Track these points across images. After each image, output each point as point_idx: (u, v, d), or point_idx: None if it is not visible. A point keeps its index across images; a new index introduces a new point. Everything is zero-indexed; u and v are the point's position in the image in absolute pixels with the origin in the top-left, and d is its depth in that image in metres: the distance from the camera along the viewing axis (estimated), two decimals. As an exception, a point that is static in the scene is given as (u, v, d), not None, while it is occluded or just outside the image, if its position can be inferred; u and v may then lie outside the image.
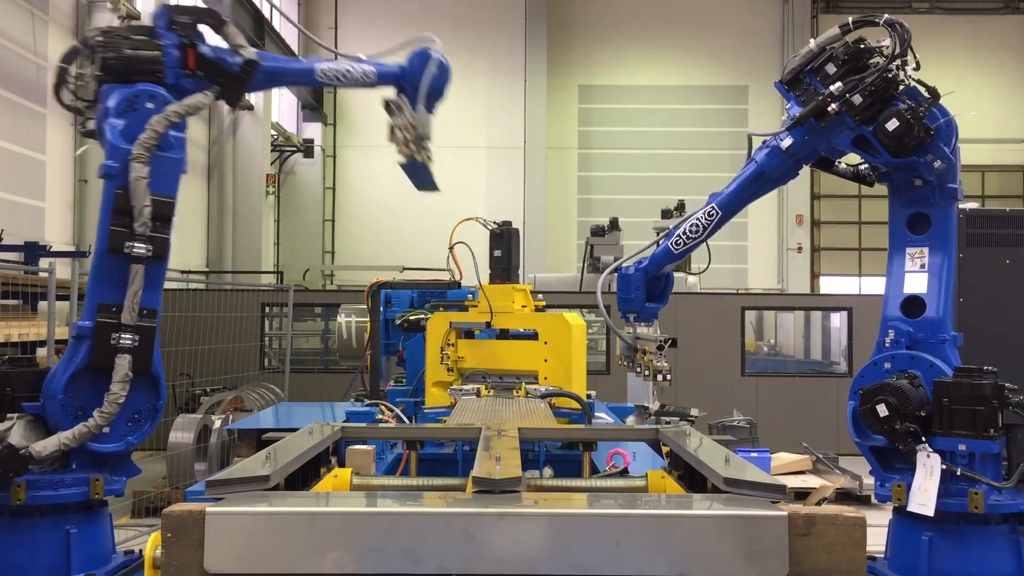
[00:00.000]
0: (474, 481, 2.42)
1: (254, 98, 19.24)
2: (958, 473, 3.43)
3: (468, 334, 5.18)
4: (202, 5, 3.36)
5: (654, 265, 4.06)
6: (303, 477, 2.92)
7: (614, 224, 15.15)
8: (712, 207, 3.80)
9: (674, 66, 23.65)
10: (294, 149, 22.61)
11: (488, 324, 5.13)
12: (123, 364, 3.39)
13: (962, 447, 3.43)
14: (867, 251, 22.95)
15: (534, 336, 5.40)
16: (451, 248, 5.42)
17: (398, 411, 4.93)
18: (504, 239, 5.87)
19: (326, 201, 23.07)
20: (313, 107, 23.14)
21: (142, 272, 3.43)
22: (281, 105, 22.33)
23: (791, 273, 22.46)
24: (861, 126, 3.50)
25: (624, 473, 3.56)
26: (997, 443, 3.44)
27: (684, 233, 3.83)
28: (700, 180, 22.26)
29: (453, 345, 5.11)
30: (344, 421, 4.46)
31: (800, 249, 22.59)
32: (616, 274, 4.10)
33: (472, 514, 2.20)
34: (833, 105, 3.47)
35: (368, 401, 5.69)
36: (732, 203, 3.83)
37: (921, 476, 3.44)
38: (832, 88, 3.50)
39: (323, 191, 22.98)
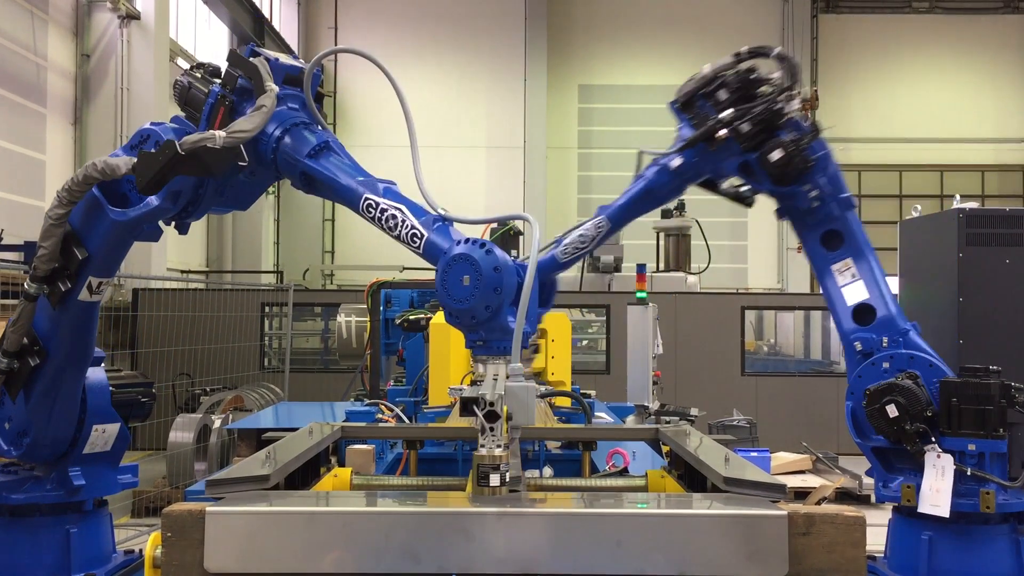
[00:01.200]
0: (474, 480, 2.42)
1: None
2: (968, 473, 3.44)
3: None
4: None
5: (540, 273, 4.12)
6: (303, 477, 2.92)
7: (614, 224, 15.13)
8: (601, 219, 3.84)
9: (674, 65, 23.62)
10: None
11: None
12: None
13: (971, 447, 3.44)
14: (867, 251, 22.94)
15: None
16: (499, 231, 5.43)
17: (398, 411, 4.93)
18: (515, 240, 5.89)
19: (326, 200, 23.06)
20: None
21: (30, 308, 3.21)
22: (281, 105, 22.29)
23: (791, 273, 22.45)
24: (747, 153, 3.59)
25: (624, 473, 3.56)
26: (1005, 442, 3.45)
27: (572, 244, 3.84)
28: (700, 180, 22.24)
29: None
30: (344, 421, 4.46)
31: (800, 249, 22.48)
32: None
33: (472, 513, 2.20)
34: (723, 131, 3.54)
35: (368, 401, 5.69)
36: (620, 217, 3.93)
37: (932, 477, 3.44)
38: (723, 114, 3.57)
39: (323, 191, 22.98)
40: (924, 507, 3.45)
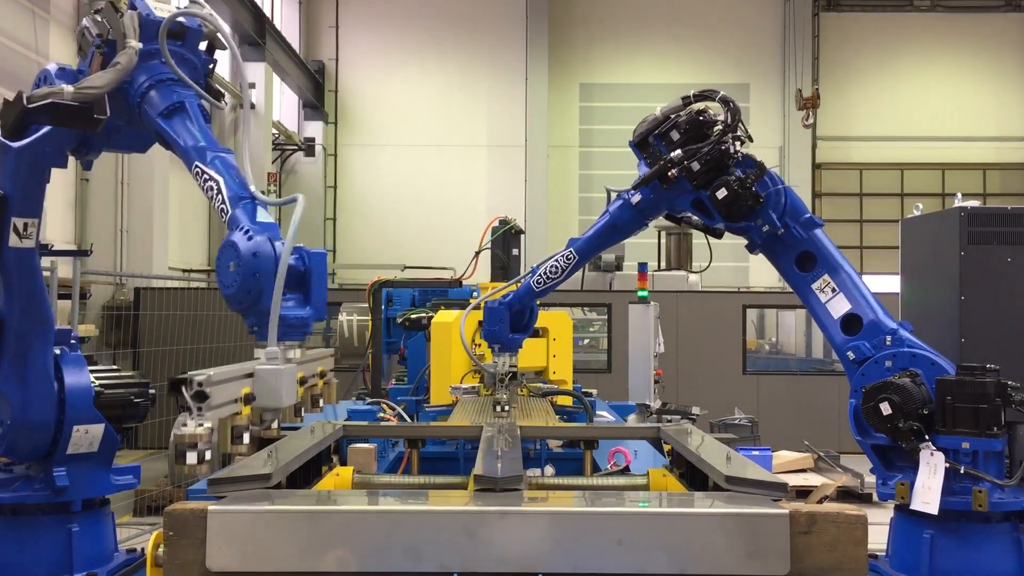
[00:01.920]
0: (476, 479, 2.43)
1: (255, 96, 19.24)
2: (961, 471, 3.44)
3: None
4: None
5: (517, 300, 4.37)
6: (305, 475, 2.93)
7: (615, 222, 15.14)
8: (570, 252, 4.12)
9: (675, 64, 23.63)
10: (295, 148, 22.61)
11: None
12: None
13: (965, 445, 3.44)
14: (868, 249, 22.94)
15: (535, 333, 5.43)
16: (478, 252, 5.51)
17: (399, 409, 4.93)
18: (517, 239, 5.93)
19: (327, 199, 23.07)
20: (314, 105, 23.15)
21: None
22: (282, 103, 22.34)
23: (792, 271, 22.40)
24: (698, 191, 3.76)
25: (626, 471, 3.57)
26: (1000, 441, 3.45)
27: (544, 273, 4.17)
28: (701, 178, 22.22)
29: (479, 344, 5.10)
30: (346, 419, 4.46)
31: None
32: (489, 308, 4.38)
33: (474, 512, 2.20)
34: (673, 170, 3.71)
35: (370, 399, 5.69)
36: (587, 249, 4.15)
37: (925, 474, 3.45)
38: (673, 154, 3.74)
39: (324, 189, 22.98)
40: (916, 504, 3.47)
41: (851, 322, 3.78)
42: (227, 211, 2.84)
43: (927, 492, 3.43)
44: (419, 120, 22.87)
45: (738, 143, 3.75)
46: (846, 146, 23.46)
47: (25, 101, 2.89)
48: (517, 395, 4.47)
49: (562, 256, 4.15)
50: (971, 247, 6.64)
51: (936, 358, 3.60)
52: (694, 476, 2.93)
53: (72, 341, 3.64)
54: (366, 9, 23.72)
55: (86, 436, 3.55)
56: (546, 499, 2.56)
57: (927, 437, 3.47)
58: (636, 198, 3.92)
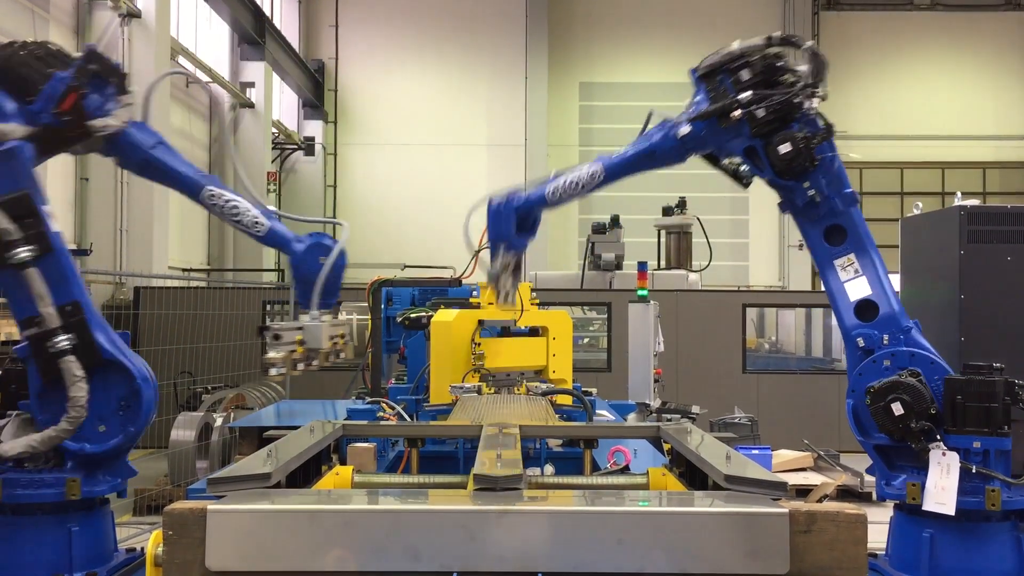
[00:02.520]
0: (475, 479, 2.42)
1: (255, 95, 19.24)
2: (973, 471, 3.43)
3: (504, 332, 5.24)
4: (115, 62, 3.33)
5: (527, 207, 4.15)
6: (304, 475, 2.93)
7: (615, 222, 15.15)
8: (598, 168, 3.87)
9: (675, 63, 23.57)
10: (295, 147, 22.61)
11: (515, 322, 5.19)
12: (69, 367, 3.29)
13: (976, 444, 3.44)
14: (868, 248, 22.94)
15: (534, 332, 5.44)
16: (478, 252, 5.45)
17: (399, 409, 4.93)
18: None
19: (327, 199, 23.08)
20: (314, 105, 23.15)
21: (36, 275, 3.28)
22: (282, 103, 22.33)
23: (792, 270, 22.44)
24: (755, 139, 3.60)
25: (625, 470, 3.57)
26: (1010, 440, 3.45)
27: (564, 185, 3.95)
28: (701, 177, 22.19)
29: (478, 344, 5.10)
30: (345, 419, 4.46)
31: (801, 246, 22.52)
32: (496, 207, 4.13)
33: (473, 512, 2.20)
34: (737, 112, 3.55)
35: (369, 399, 5.69)
36: (617, 172, 3.90)
37: (936, 475, 3.43)
38: (742, 96, 3.57)
39: (324, 189, 22.99)
40: (928, 505, 3.45)
41: (866, 308, 3.70)
42: (265, 224, 3.54)
43: (941, 493, 3.41)
44: (419, 119, 22.88)
45: (814, 100, 3.55)
46: (846, 145, 23.43)
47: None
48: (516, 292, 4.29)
49: (587, 172, 3.90)
50: (971, 246, 6.64)
51: (935, 357, 3.60)
52: (694, 475, 2.93)
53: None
54: (366, 8, 23.72)
55: None
56: (546, 498, 2.56)
57: (938, 437, 3.45)
58: (684, 130, 3.70)
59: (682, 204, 16.16)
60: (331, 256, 3.59)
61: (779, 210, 3.89)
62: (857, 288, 3.72)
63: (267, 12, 20.08)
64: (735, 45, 3.65)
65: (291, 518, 2.18)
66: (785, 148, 3.53)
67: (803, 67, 3.59)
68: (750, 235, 22.60)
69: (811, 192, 3.65)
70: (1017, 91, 23.79)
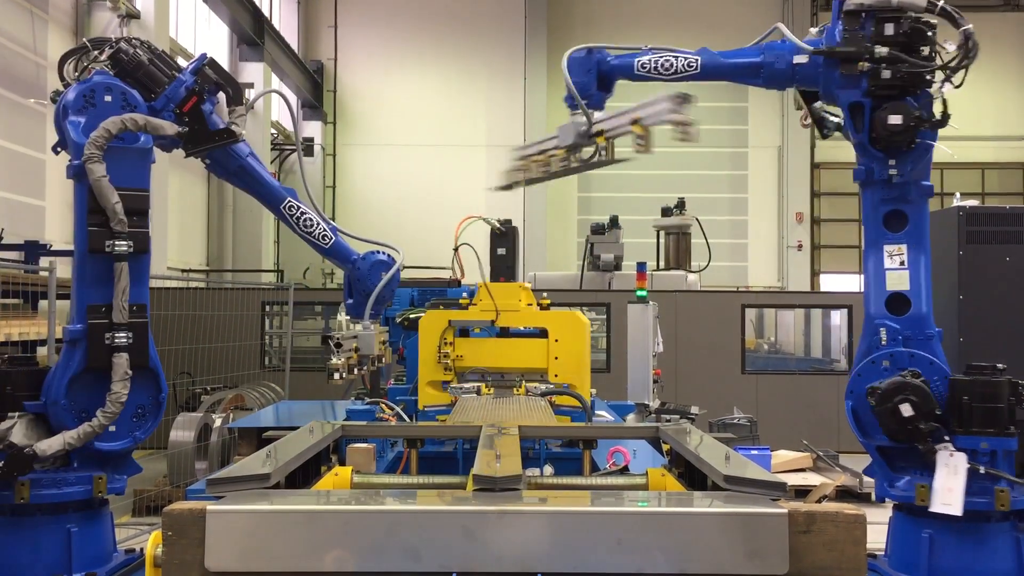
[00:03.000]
0: (474, 479, 2.42)
1: (253, 96, 19.22)
2: (982, 471, 3.42)
3: (463, 332, 5.14)
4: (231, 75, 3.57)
5: (610, 69, 4.05)
6: (304, 475, 2.93)
7: (614, 222, 15.15)
8: (696, 59, 3.70)
9: (674, 64, 23.64)
10: (294, 148, 22.60)
11: (492, 322, 5.09)
12: (121, 363, 3.38)
13: (984, 445, 3.42)
14: (867, 249, 22.94)
15: (538, 334, 5.38)
16: (455, 249, 5.38)
17: (398, 409, 4.93)
18: (508, 238, 5.87)
19: (326, 199, 23.06)
20: (313, 105, 23.14)
21: (127, 269, 3.40)
22: (281, 103, 22.32)
23: (791, 271, 22.44)
24: (868, 97, 3.44)
25: (624, 471, 3.56)
26: (1016, 440, 3.43)
27: (655, 64, 3.75)
28: (700, 178, 22.27)
29: (451, 344, 5.06)
30: (344, 419, 4.46)
31: (800, 247, 22.58)
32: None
33: (472, 512, 2.20)
34: (866, 64, 3.39)
35: (368, 399, 5.69)
36: (714, 72, 3.76)
37: (944, 475, 3.40)
38: (879, 49, 3.39)
39: (323, 189, 22.97)
40: (936, 506, 3.42)
41: (898, 302, 3.64)
42: (331, 237, 3.94)
43: (948, 493, 3.38)
44: (418, 120, 22.87)
45: (947, 85, 3.40)
46: (844, 145, 23.34)
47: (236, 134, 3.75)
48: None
49: (684, 59, 3.72)
50: (969, 246, 6.65)
51: (934, 358, 3.60)
52: (693, 476, 2.93)
53: None
54: (365, 9, 23.71)
55: None
56: (545, 499, 2.56)
57: (947, 438, 3.43)
58: (801, 58, 3.53)
59: (681, 205, 16.17)
60: (389, 273, 4.07)
61: (853, 178, 3.71)
62: (897, 280, 3.63)
63: (266, 13, 20.07)
64: None
65: (290, 519, 2.18)
66: (896, 119, 3.38)
67: (951, 46, 3.42)
68: (749, 236, 22.60)
69: (892, 171, 3.52)
70: (1016, 92, 23.80)
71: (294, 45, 22.36)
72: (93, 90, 3.37)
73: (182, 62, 3.83)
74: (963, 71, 3.40)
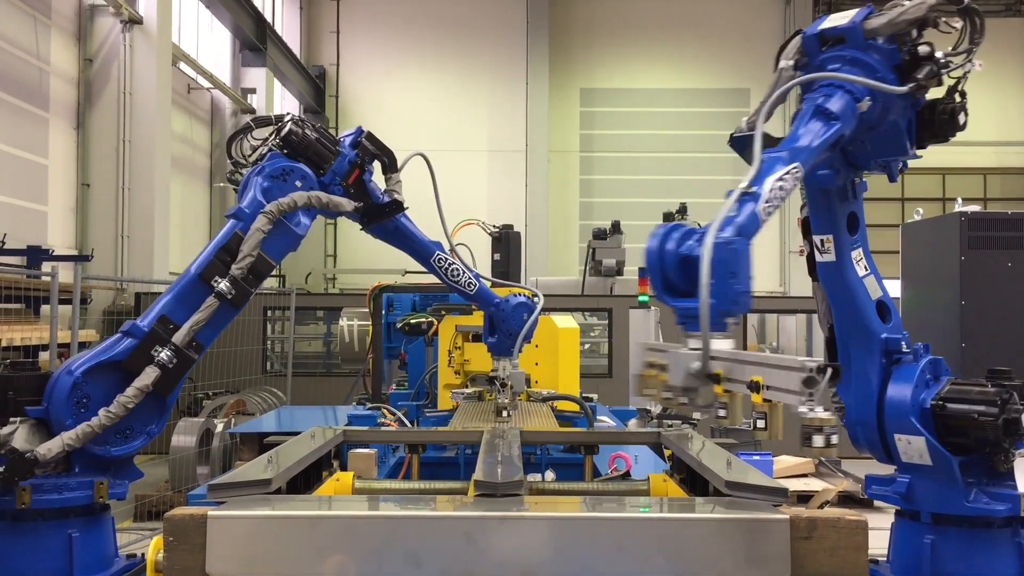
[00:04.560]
0: (476, 485, 2.42)
1: (256, 102, 19.26)
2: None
3: (476, 337, 5.20)
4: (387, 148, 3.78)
5: (752, 230, 2.93)
6: (305, 481, 2.93)
7: (616, 227, 15.16)
8: (797, 166, 3.01)
9: (676, 69, 23.66)
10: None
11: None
12: (148, 375, 3.40)
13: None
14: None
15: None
16: (451, 251, 5.40)
17: (400, 414, 4.93)
18: (504, 243, 5.90)
19: (328, 204, 23.08)
20: (316, 110, 23.18)
21: (215, 308, 3.49)
22: (284, 109, 22.35)
23: (793, 275, 22.43)
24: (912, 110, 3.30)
25: (626, 476, 3.56)
26: None
27: (773, 198, 2.94)
28: (702, 183, 22.27)
29: (460, 348, 5.14)
30: (346, 425, 4.46)
31: (802, 252, 22.48)
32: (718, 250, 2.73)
33: (474, 518, 2.20)
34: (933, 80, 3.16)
35: (370, 405, 5.69)
36: (810, 160, 3.17)
37: None
38: (922, 49, 3.17)
39: (325, 194, 23.00)
40: None
41: (882, 311, 3.52)
42: (476, 284, 4.19)
43: None
44: (420, 125, 22.88)
45: (970, 65, 3.22)
46: (847, 151, 23.47)
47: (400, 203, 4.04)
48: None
49: (788, 173, 2.94)
50: (971, 252, 6.64)
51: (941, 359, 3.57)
52: (695, 481, 2.93)
53: None
54: (367, 14, 23.75)
55: None
56: (546, 504, 2.56)
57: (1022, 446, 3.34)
58: (866, 104, 3.15)
59: (683, 209, 16.18)
60: (533, 315, 4.31)
61: (821, 182, 3.45)
62: (873, 288, 3.50)
63: (268, 18, 20.12)
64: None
65: (292, 524, 2.18)
66: (964, 119, 3.24)
67: (956, 23, 3.21)
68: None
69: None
70: (1018, 97, 23.80)
71: (296, 50, 22.40)
72: (294, 170, 3.68)
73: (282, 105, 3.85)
74: (976, 48, 3.23)
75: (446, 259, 4.20)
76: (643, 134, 23.39)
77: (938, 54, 3.20)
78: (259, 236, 3.52)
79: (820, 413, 2.55)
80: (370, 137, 4.00)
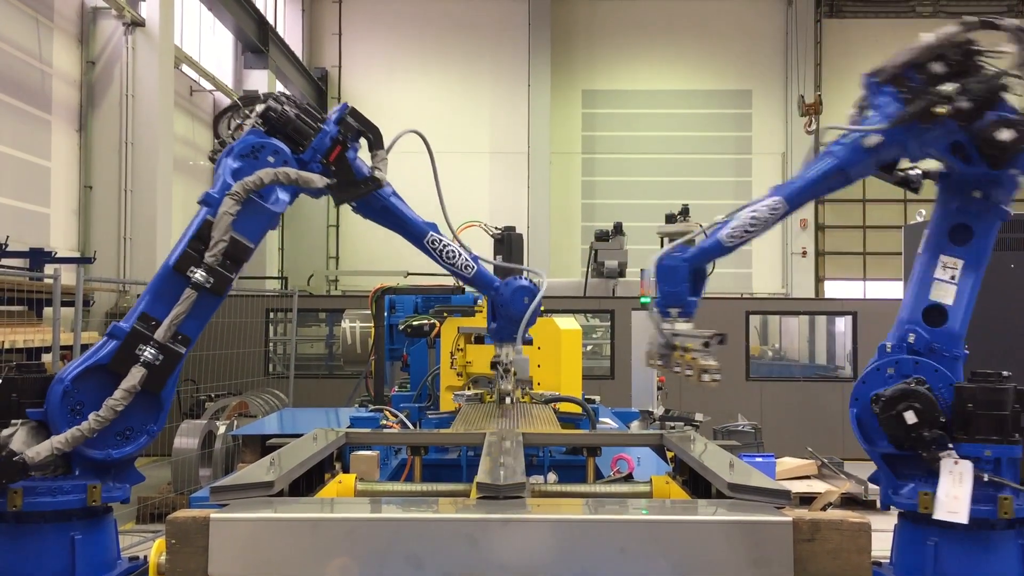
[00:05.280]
0: (478, 487, 2.42)
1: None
2: (986, 479, 3.40)
3: (479, 339, 5.22)
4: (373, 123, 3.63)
5: (703, 258, 3.94)
6: (307, 483, 2.93)
7: (618, 229, 15.15)
8: (777, 200, 3.64)
9: (678, 70, 23.66)
10: (299, 155, 22.63)
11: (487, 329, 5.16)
12: (135, 375, 3.36)
13: (988, 452, 3.40)
14: (871, 255, 22.93)
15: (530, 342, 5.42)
16: (453, 239, 5.42)
17: (402, 416, 4.93)
18: (506, 245, 5.88)
19: (330, 206, 23.08)
20: (317, 113, 23.18)
21: (193, 299, 3.42)
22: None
23: (795, 277, 22.43)
24: (960, 131, 3.41)
25: (628, 478, 3.56)
26: (1020, 448, 3.42)
27: (742, 226, 3.69)
28: (704, 184, 22.28)
29: (462, 350, 5.14)
30: (348, 427, 4.46)
31: (805, 253, 22.57)
32: (656, 266, 3.97)
33: (476, 520, 2.20)
34: (943, 107, 3.35)
35: (372, 407, 5.69)
36: (801, 197, 3.68)
37: (948, 483, 3.38)
38: (946, 88, 3.36)
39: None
40: (940, 514, 3.40)
41: (935, 314, 3.60)
42: (473, 266, 3.97)
43: (953, 501, 3.36)
44: (422, 126, 22.39)
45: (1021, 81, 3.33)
46: (849, 152, 23.43)
47: (380, 181, 3.85)
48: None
49: (765, 205, 3.66)
50: (974, 253, 6.63)
51: (939, 366, 3.58)
52: (697, 483, 2.92)
53: None
54: (369, 16, 23.77)
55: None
56: (549, 506, 2.56)
57: (951, 445, 3.41)
58: (874, 139, 3.47)
59: (685, 211, 16.15)
60: (536, 299, 4.00)
61: (934, 181, 3.67)
62: (942, 292, 3.60)
63: (270, 20, 20.14)
64: (927, 38, 3.43)
65: (294, 527, 2.18)
66: (1007, 135, 3.30)
67: (1008, 47, 3.37)
68: (753, 242, 22.40)
69: (1022, 177, 3.45)
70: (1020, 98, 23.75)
71: (299, 52, 22.41)
72: (255, 147, 3.54)
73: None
74: None
75: (440, 240, 3.99)
76: (645, 135, 23.39)
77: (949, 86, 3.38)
78: (228, 220, 3.41)
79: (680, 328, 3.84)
80: (354, 113, 3.81)
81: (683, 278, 3.93)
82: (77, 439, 3.34)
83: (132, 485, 3.68)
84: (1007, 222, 3.78)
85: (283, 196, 3.59)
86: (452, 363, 5.12)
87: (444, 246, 3.98)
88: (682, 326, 3.93)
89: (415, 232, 3.98)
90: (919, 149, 3.56)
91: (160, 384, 3.45)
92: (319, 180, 3.58)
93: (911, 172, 3.77)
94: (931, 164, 3.70)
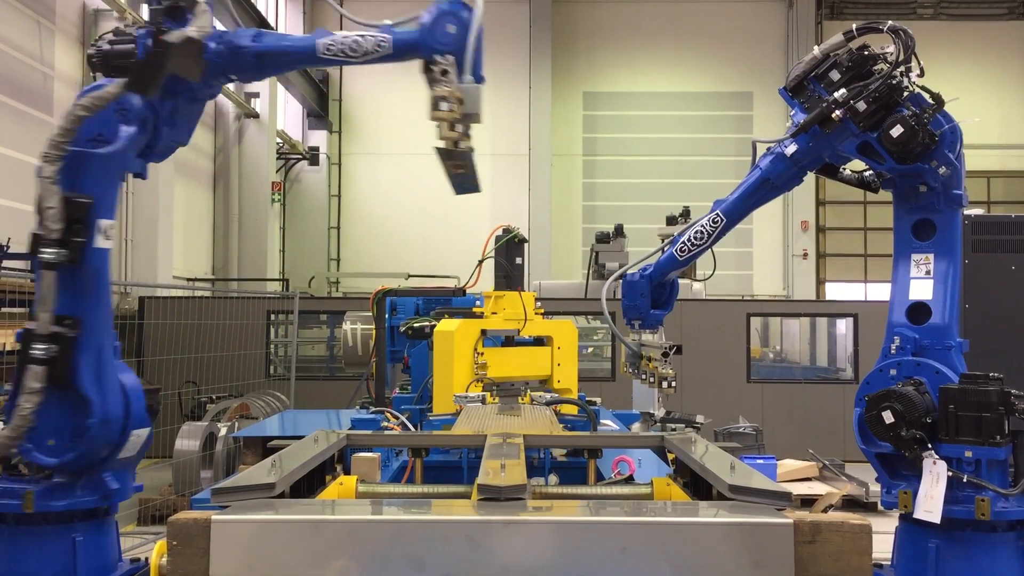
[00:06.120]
0: (479, 488, 2.42)
1: (259, 106, 19.28)
2: (964, 480, 3.42)
3: (508, 341, 5.27)
4: None
5: (659, 272, 4.19)
6: (308, 485, 2.93)
7: (619, 231, 15.15)
8: (716, 214, 3.88)
9: (679, 72, 23.66)
10: (299, 157, 22.65)
11: (518, 332, 5.22)
12: (32, 374, 3.11)
13: (968, 454, 3.42)
14: (872, 257, 22.93)
15: (539, 342, 5.43)
16: (482, 260, 5.51)
17: (403, 418, 4.93)
18: (521, 247, 5.93)
19: (331, 208, 23.10)
20: (318, 115, 23.19)
21: (50, 278, 3.18)
22: (287, 113, 22.39)
23: (796, 279, 22.43)
24: (866, 132, 3.54)
25: (629, 480, 3.56)
26: (1004, 450, 3.43)
27: (689, 240, 3.94)
28: (705, 186, 22.26)
29: (480, 354, 5.10)
30: (349, 428, 4.46)
31: (805, 255, 22.57)
32: (621, 281, 4.20)
33: (477, 522, 2.20)
34: (838, 112, 3.50)
35: (373, 408, 5.69)
36: (737, 210, 3.90)
37: (927, 483, 3.43)
38: (836, 95, 3.52)
39: (328, 198, 23.01)
40: (919, 513, 3.44)
41: (920, 311, 3.63)
42: (387, 38, 3.41)
43: (929, 501, 3.40)
44: (423, 128, 22.55)
45: (911, 75, 3.47)
46: (850, 154, 23.44)
47: (169, 40, 3.10)
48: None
49: (708, 220, 3.90)
50: (975, 255, 6.63)
51: (942, 367, 3.58)
52: (698, 485, 2.92)
53: (115, 345, 3.59)
54: (370, 17, 23.71)
55: (137, 440, 3.52)
56: (550, 508, 2.56)
57: (930, 446, 3.44)
58: (792, 148, 3.69)
59: (686, 213, 16.15)
60: (474, 22, 3.43)
61: (884, 188, 3.78)
62: (920, 289, 3.64)
63: (271, 21, 20.16)
64: (816, 50, 3.62)
65: (295, 528, 2.18)
66: (898, 131, 3.41)
67: (890, 48, 3.51)
68: (754, 244, 22.58)
69: (941, 169, 3.51)
70: (1021, 100, 23.77)
71: (299, 50, 22.42)
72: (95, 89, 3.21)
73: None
74: (914, 58, 3.49)
75: (334, 39, 3.44)
76: (646, 137, 23.39)
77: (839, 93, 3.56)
78: (47, 184, 3.17)
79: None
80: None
81: (642, 292, 4.20)
82: (4, 446, 3.15)
83: (124, 492, 3.56)
84: (1014, 223, 3.82)
85: (125, 130, 3.21)
86: (477, 368, 5.00)
87: (341, 43, 3.45)
88: (647, 337, 4.20)
89: (305, 55, 3.47)
90: (833, 153, 3.72)
91: (66, 376, 3.19)
92: (114, 87, 3.11)
93: (865, 174, 3.85)
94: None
